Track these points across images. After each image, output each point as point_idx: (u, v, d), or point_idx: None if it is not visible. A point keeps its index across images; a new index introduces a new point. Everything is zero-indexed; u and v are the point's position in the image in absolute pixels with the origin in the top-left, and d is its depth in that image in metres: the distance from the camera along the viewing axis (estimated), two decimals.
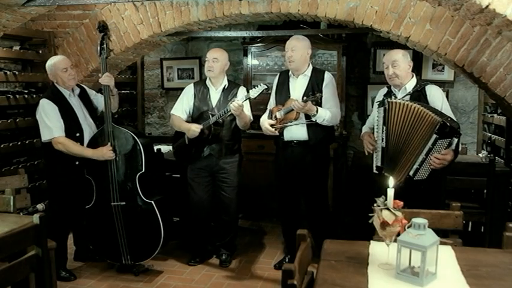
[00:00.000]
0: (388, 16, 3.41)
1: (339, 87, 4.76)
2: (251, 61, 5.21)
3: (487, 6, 2.88)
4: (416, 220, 1.79)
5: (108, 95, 3.52)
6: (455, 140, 2.79)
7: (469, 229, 3.87)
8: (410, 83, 3.07)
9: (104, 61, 3.58)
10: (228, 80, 3.80)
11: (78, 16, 4.23)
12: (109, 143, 3.45)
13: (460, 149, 2.90)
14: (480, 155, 4.30)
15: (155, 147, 4.37)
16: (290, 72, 3.61)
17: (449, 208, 2.44)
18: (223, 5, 3.72)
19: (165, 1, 3.84)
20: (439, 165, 2.78)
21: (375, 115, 3.11)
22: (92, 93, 3.78)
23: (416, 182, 2.84)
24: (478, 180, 3.67)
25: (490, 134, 4.60)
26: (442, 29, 3.31)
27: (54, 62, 3.51)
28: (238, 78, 5.54)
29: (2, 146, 3.81)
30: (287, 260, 3.71)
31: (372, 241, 2.17)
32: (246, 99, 3.52)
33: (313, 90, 3.45)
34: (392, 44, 3.82)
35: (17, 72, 4.09)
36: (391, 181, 1.89)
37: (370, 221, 1.92)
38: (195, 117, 3.72)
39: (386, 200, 1.86)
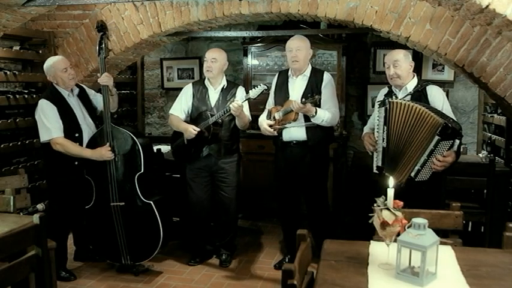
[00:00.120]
0: (388, 16, 3.41)
1: (339, 87, 4.77)
2: (251, 61, 5.21)
3: (487, 6, 2.88)
4: (416, 220, 1.79)
5: (107, 95, 3.52)
6: (457, 141, 2.79)
7: (469, 229, 3.87)
8: (411, 83, 3.07)
9: (103, 61, 3.58)
10: (227, 80, 3.80)
11: (78, 16, 4.23)
12: (108, 143, 3.45)
13: (461, 150, 2.89)
14: (480, 155, 4.30)
15: (155, 147, 4.37)
16: (289, 73, 3.61)
17: (449, 208, 2.44)
18: (223, 5, 3.72)
19: (165, 1, 3.84)
20: (440, 167, 2.78)
21: (376, 115, 3.11)
22: (91, 93, 3.78)
23: (417, 183, 2.84)
24: (478, 180, 3.67)
25: (490, 134, 4.60)
26: (442, 29, 3.31)
27: (53, 63, 3.50)
28: (238, 78, 5.55)
29: (2, 146, 3.82)
30: (287, 260, 3.71)
31: (372, 241, 2.17)
32: (245, 100, 3.52)
33: (312, 91, 3.45)
34: (392, 44, 3.82)
35: (17, 72, 4.09)
36: (391, 181, 1.89)
37: (370, 221, 1.92)
38: (194, 117, 3.72)
39: (386, 200, 1.86)
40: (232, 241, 3.96)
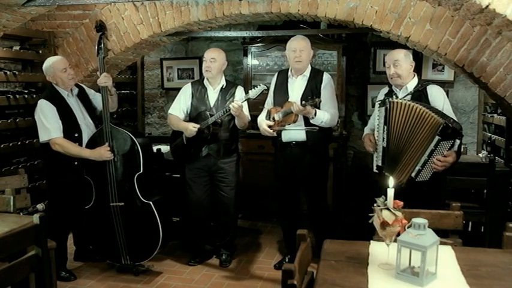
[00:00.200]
0: (388, 16, 3.41)
1: (339, 87, 4.77)
2: (251, 61, 5.21)
3: (487, 6, 2.88)
4: (416, 220, 1.79)
5: (106, 95, 3.52)
6: (458, 141, 2.79)
7: (469, 229, 3.87)
8: (412, 83, 3.07)
9: (102, 61, 3.58)
10: (226, 80, 3.80)
11: (78, 16, 4.23)
12: (107, 143, 3.45)
13: (462, 150, 2.89)
14: (480, 155, 4.30)
15: (155, 147, 4.37)
16: (289, 73, 3.61)
17: (449, 208, 2.44)
18: (223, 5, 3.72)
19: (165, 1, 3.84)
20: (441, 167, 2.78)
21: (376, 114, 3.11)
22: (91, 92, 3.78)
23: (418, 183, 2.83)
24: (478, 180, 3.67)
25: (490, 134, 4.60)
26: (442, 29, 3.31)
27: (52, 63, 3.50)
28: (238, 78, 5.55)
29: (2, 146, 3.82)
30: (287, 260, 3.71)
31: (372, 241, 2.17)
32: (245, 100, 3.52)
33: (312, 92, 3.45)
34: (392, 44, 3.82)
35: (17, 72, 4.09)
36: (391, 181, 1.89)
37: (370, 221, 1.92)
38: (193, 116, 3.72)
39: (386, 200, 1.86)
40: (232, 241, 3.96)
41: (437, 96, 3.00)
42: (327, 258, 2.01)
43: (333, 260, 1.98)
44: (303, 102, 3.29)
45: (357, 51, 5.20)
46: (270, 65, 5.20)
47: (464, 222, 2.42)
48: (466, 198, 3.70)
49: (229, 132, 3.71)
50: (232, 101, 3.53)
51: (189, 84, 3.84)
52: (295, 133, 3.50)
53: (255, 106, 4.17)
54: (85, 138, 3.54)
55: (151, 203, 3.48)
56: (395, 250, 1.80)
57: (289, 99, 3.51)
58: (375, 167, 3.11)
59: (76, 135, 3.49)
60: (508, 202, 3.87)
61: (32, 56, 4.23)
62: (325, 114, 3.41)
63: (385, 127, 2.96)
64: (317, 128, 3.44)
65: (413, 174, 2.81)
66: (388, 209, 1.84)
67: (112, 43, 4.07)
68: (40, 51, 4.26)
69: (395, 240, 1.85)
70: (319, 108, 3.40)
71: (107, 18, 4.03)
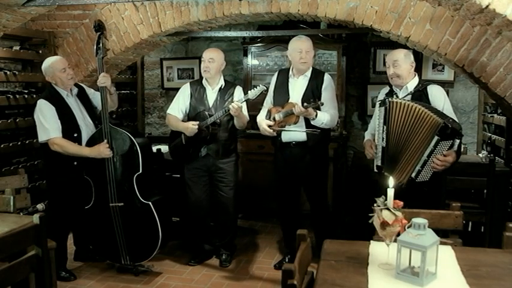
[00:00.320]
0: (388, 16, 3.41)
1: (339, 87, 4.77)
2: (251, 61, 5.21)
3: (487, 6, 2.88)
4: (416, 220, 1.79)
5: (105, 95, 3.52)
6: (457, 141, 2.79)
7: (469, 229, 3.87)
8: (412, 83, 3.07)
9: (101, 61, 3.58)
10: (225, 80, 3.79)
11: (78, 16, 4.23)
12: (105, 140, 3.44)
13: (462, 150, 2.89)
14: (480, 155, 4.30)
15: (155, 147, 4.37)
16: (290, 72, 3.60)
17: (449, 208, 2.44)
18: (223, 5, 3.72)
19: (165, 1, 3.84)
20: (441, 167, 2.77)
21: (376, 114, 3.11)
22: (90, 92, 3.77)
23: (418, 183, 2.83)
24: (478, 180, 3.67)
25: (490, 134, 4.60)
26: (442, 29, 3.31)
27: (51, 63, 3.50)
28: (238, 78, 5.55)
29: (2, 146, 3.81)
30: (287, 260, 3.70)
31: (372, 241, 2.17)
32: (244, 101, 3.52)
33: (313, 92, 3.45)
34: (392, 44, 3.82)
35: (17, 72, 4.09)
36: (391, 181, 1.89)
37: (370, 221, 1.92)
38: (192, 117, 3.72)
39: (386, 200, 1.86)
40: (232, 241, 3.96)
41: (437, 96, 3.00)
42: (327, 258, 2.01)
43: (333, 260, 1.98)
44: (305, 104, 3.28)
45: (357, 51, 5.20)
46: (270, 65, 5.20)
47: (464, 222, 2.42)
48: (466, 198, 3.69)
49: (228, 133, 3.71)
50: (231, 102, 3.53)
51: (188, 84, 3.84)
52: (295, 133, 3.50)
53: (255, 106, 4.17)
54: (84, 138, 3.53)
55: (150, 203, 3.48)
56: (395, 250, 1.80)
57: (290, 99, 3.50)
58: (375, 167, 3.11)
59: (75, 135, 3.49)
60: (508, 202, 3.87)
61: (32, 56, 4.23)
62: (326, 116, 3.41)
63: (385, 127, 2.96)
64: (318, 130, 3.44)
65: (413, 175, 2.81)
66: (388, 209, 1.84)
67: (112, 43, 4.07)
68: (40, 51, 4.26)
69: (395, 240, 1.85)
70: (320, 110, 3.40)
71: (107, 18, 4.03)
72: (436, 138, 2.72)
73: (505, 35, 3.15)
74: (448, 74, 4.92)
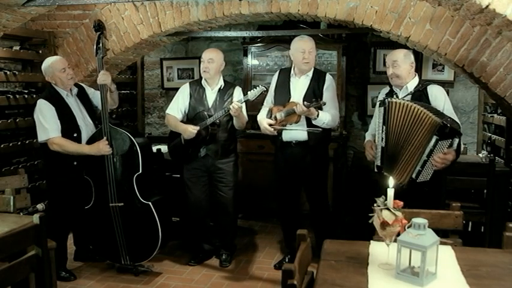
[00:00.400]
0: (388, 16, 3.41)
1: (339, 87, 4.77)
2: (251, 61, 5.21)
3: (487, 6, 2.88)
4: (416, 220, 1.79)
5: (105, 94, 3.51)
6: (457, 140, 2.79)
7: (469, 229, 3.87)
8: (412, 83, 3.07)
9: (101, 60, 3.57)
10: (224, 80, 3.79)
11: (78, 16, 4.23)
12: (105, 138, 3.44)
13: (461, 149, 2.89)
14: (480, 155, 4.30)
15: (155, 148, 4.37)
16: (292, 72, 3.60)
17: (449, 208, 2.44)
18: (223, 5, 3.72)
19: (165, 1, 3.84)
20: (441, 166, 2.77)
21: (377, 114, 3.12)
22: (90, 91, 3.77)
23: (419, 184, 2.82)
24: (478, 180, 3.67)
25: (490, 134, 4.61)
26: (442, 29, 3.31)
27: (51, 63, 3.50)
28: (238, 78, 5.55)
29: (2, 146, 3.81)
30: (287, 260, 3.70)
31: (372, 241, 2.17)
32: (244, 101, 3.52)
33: (314, 92, 3.45)
34: (392, 44, 3.82)
35: (17, 72, 4.09)
36: (391, 181, 1.89)
37: (370, 221, 1.92)
38: (191, 117, 3.72)
39: (386, 200, 1.86)
40: (232, 241, 3.96)
41: (438, 96, 3.00)
42: (327, 258, 2.01)
43: (333, 260, 1.98)
44: (307, 103, 3.28)
45: (357, 51, 5.20)
46: (270, 65, 5.20)
47: (464, 222, 2.42)
48: (466, 198, 3.69)
49: (227, 133, 3.71)
50: (231, 102, 3.53)
51: (187, 84, 3.84)
52: (296, 133, 3.50)
53: (255, 106, 4.17)
54: (84, 138, 3.53)
55: (150, 203, 3.48)
56: (395, 250, 1.80)
57: (291, 99, 3.50)
58: (375, 167, 3.11)
59: (75, 135, 3.49)
60: (508, 202, 3.87)
61: (32, 56, 4.23)
62: (327, 116, 3.42)
63: (384, 127, 2.96)
64: (320, 129, 3.44)
65: (413, 176, 2.80)
66: (388, 209, 1.84)
67: (112, 43, 4.08)
68: (40, 51, 4.26)
69: (395, 240, 1.85)
70: (322, 110, 3.40)
71: (107, 18, 4.03)
72: (435, 138, 2.72)
73: (505, 35, 3.15)
74: (448, 74, 4.92)
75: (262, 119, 3.59)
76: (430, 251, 1.73)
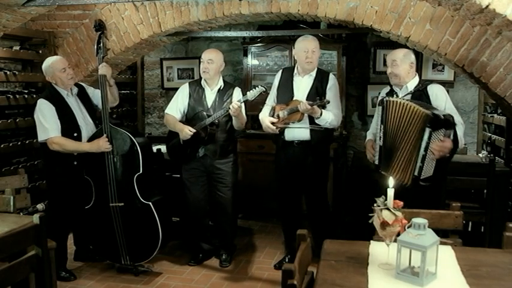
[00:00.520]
0: (388, 16, 3.41)
1: (339, 87, 4.76)
2: (251, 61, 5.21)
3: (487, 6, 2.88)
4: (416, 220, 1.79)
5: (105, 86, 3.52)
6: (451, 131, 2.77)
7: (469, 229, 3.87)
8: (412, 82, 3.07)
9: (101, 60, 3.58)
10: (224, 81, 3.79)
11: (78, 16, 4.23)
12: (105, 135, 3.44)
13: (459, 139, 2.87)
14: (480, 155, 4.30)
15: (155, 147, 4.37)
16: (295, 71, 3.60)
17: (449, 208, 2.44)
18: (223, 5, 3.72)
19: (165, 1, 3.84)
20: (438, 154, 2.73)
21: (376, 114, 3.12)
22: (90, 90, 3.77)
23: (424, 180, 2.79)
24: (478, 180, 3.67)
25: (490, 134, 4.61)
26: (442, 29, 3.31)
27: (51, 63, 3.50)
28: (238, 78, 5.55)
29: (2, 146, 3.81)
30: (287, 260, 3.70)
31: (372, 241, 2.17)
32: (243, 101, 3.52)
33: (317, 92, 3.45)
34: (392, 44, 3.82)
35: (17, 72, 4.09)
36: (391, 181, 1.89)
37: (370, 221, 1.92)
38: (190, 117, 3.72)
39: (386, 200, 1.86)
40: (231, 241, 3.96)
41: (439, 95, 3.00)
42: (327, 258, 2.01)
43: (333, 260, 1.98)
44: (311, 102, 3.28)
45: (357, 51, 5.20)
46: (270, 65, 5.20)
47: (464, 222, 2.42)
48: (466, 198, 3.69)
49: (226, 133, 3.71)
50: (230, 102, 3.52)
51: (187, 84, 3.84)
52: (298, 132, 3.49)
53: (255, 106, 4.17)
54: (84, 138, 3.53)
55: (150, 203, 3.48)
56: (395, 250, 1.80)
57: (294, 98, 3.50)
58: (375, 167, 3.12)
59: (75, 134, 3.49)
60: (508, 202, 3.87)
61: (32, 56, 4.23)
62: (330, 115, 3.42)
63: (382, 126, 2.97)
64: (322, 128, 3.44)
65: (416, 173, 2.77)
66: (388, 209, 1.84)
67: (112, 43, 4.08)
68: (40, 51, 4.26)
69: (395, 240, 1.85)
70: (325, 108, 3.40)
71: (106, 18, 4.03)
72: (428, 130, 2.70)
73: (505, 35, 3.15)
74: (448, 74, 4.92)
75: (265, 117, 3.59)
76: (430, 251, 1.73)
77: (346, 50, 4.89)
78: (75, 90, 3.63)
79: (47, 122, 3.39)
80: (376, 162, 3.06)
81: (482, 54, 3.25)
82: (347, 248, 2.11)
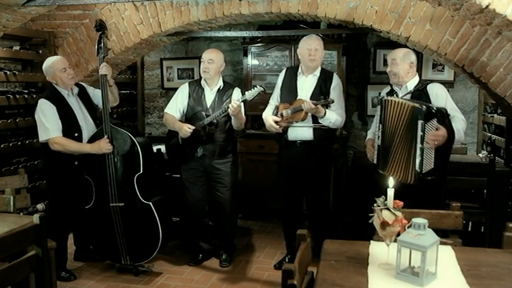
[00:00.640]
0: (388, 16, 3.42)
1: None
2: (251, 61, 5.21)
3: (487, 6, 2.88)
4: (416, 220, 1.79)
5: (106, 86, 3.52)
6: (444, 120, 2.77)
7: (469, 229, 3.87)
8: (412, 82, 3.08)
9: (102, 60, 3.58)
10: (224, 81, 3.79)
11: (78, 16, 4.23)
12: (106, 136, 3.44)
13: (458, 132, 2.86)
14: (480, 155, 4.30)
15: (155, 147, 4.37)
16: (299, 71, 3.59)
17: (449, 208, 2.44)
18: (223, 5, 3.72)
19: (165, 1, 3.84)
20: (433, 142, 2.73)
21: (376, 114, 3.13)
22: (90, 90, 3.77)
23: (427, 174, 2.78)
24: (478, 180, 3.68)
25: (490, 134, 4.61)
26: (442, 29, 3.31)
27: (52, 63, 3.50)
28: (238, 78, 5.55)
29: (2, 146, 3.81)
30: (287, 260, 3.70)
31: (372, 241, 2.17)
32: (242, 101, 3.52)
33: (321, 92, 3.45)
34: (392, 44, 3.82)
35: (17, 72, 4.09)
36: (391, 181, 1.89)
37: (370, 221, 1.92)
38: (189, 116, 3.72)
39: (386, 200, 1.86)
40: (231, 241, 3.96)
41: (439, 93, 2.99)
42: (327, 258, 2.01)
43: (333, 260, 1.98)
44: (315, 101, 3.28)
45: (357, 51, 5.20)
46: (270, 65, 5.20)
47: (464, 222, 2.42)
48: (466, 198, 3.70)
49: (225, 133, 3.70)
50: (229, 102, 3.52)
51: (187, 84, 3.84)
52: (302, 132, 3.49)
53: (255, 106, 4.16)
54: (85, 138, 3.53)
55: (151, 203, 3.48)
56: (395, 250, 1.80)
57: (298, 97, 3.50)
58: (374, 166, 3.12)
59: (76, 134, 3.49)
60: (508, 202, 3.87)
61: (32, 56, 4.23)
62: (334, 115, 3.42)
63: (380, 125, 2.98)
64: (326, 127, 3.44)
65: (417, 168, 2.75)
66: (388, 209, 1.84)
67: (112, 43, 4.07)
68: (40, 51, 4.26)
69: (395, 240, 1.85)
70: (330, 107, 3.40)
71: (107, 18, 4.03)
72: (420, 122, 2.70)
73: (505, 35, 3.15)
74: (448, 74, 4.92)
75: (268, 116, 3.59)
76: (430, 251, 1.73)
77: (346, 50, 4.89)
78: (76, 90, 3.63)
79: (48, 122, 3.39)
80: (375, 161, 3.07)
81: (482, 54, 3.25)
82: (347, 248, 2.11)
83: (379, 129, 3.00)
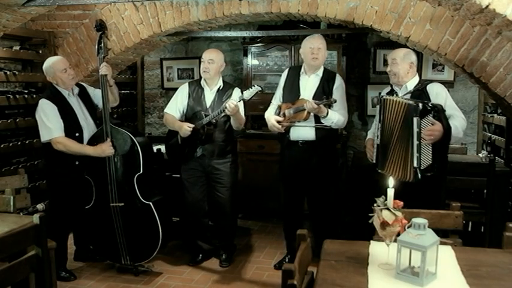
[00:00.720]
0: (388, 16, 3.42)
1: None
2: (251, 61, 5.21)
3: (487, 6, 2.88)
4: (416, 220, 1.79)
5: (106, 86, 3.52)
6: (440, 115, 2.77)
7: (469, 229, 3.87)
8: (412, 82, 3.08)
9: (102, 60, 3.58)
10: (223, 81, 3.79)
11: (78, 16, 4.23)
12: (108, 139, 3.45)
13: (457, 129, 2.86)
14: (480, 155, 4.30)
15: (155, 147, 4.37)
16: (302, 70, 3.59)
17: (449, 208, 2.44)
18: (223, 5, 3.72)
19: (165, 1, 3.84)
20: (429, 138, 2.74)
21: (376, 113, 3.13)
22: (91, 90, 3.77)
23: (426, 170, 2.78)
24: (478, 180, 3.68)
25: (490, 134, 4.61)
26: (442, 29, 3.31)
27: (52, 63, 3.50)
28: (238, 78, 5.55)
29: (2, 146, 3.81)
30: (287, 260, 3.70)
31: (372, 241, 2.17)
32: (239, 101, 3.52)
33: (324, 91, 3.45)
34: (392, 44, 3.82)
35: (17, 72, 4.09)
36: (391, 181, 1.89)
37: (370, 221, 1.92)
38: (189, 116, 3.72)
39: (386, 200, 1.86)
40: (231, 241, 3.96)
41: (439, 93, 3.00)
42: (327, 258, 2.01)
43: (333, 260, 1.98)
44: (316, 101, 3.28)
45: (357, 51, 5.20)
46: (270, 65, 5.20)
47: (464, 222, 2.42)
48: (466, 198, 3.69)
49: (224, 134, 3.70)
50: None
51: (186, 84, 3.84)
52: (304, 132, 3.49)
53: (255, 106, 4.16)
54: (86, 138, 3.53)
55: (151, 203, 3.48)
56: (395, 250, 1.80)
57: (301, 97, 3.50)
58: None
59: (77, 134, 3.49)
60: (508, 202, 3.87)
61: (32, 56, 4.23)
62: (336, 115, 3.41)
63: (379, 125, 2.99)
64: (328, 127, 3.44)
65: (415, 164, 2.76)
66: (388, 209, 1.84)
67: (112, 43, 4.07)
68: (40, 51, 4.26)
69: (395, 240, 1.85)
70: (332, 107, 3.40)
71: (107, 18, 4.03)
72: (415, 119, 2.71)
73: (505, 35, 3.15)
74: (448, 74, 4.93)
75: (270, 115, 3.58)
76: (430, 251, 1.73)
77: (346, 50, 4.89)
78: (76, 90, 3.63)
79: (50, 121, 3.39)
80: (374, 161, 3.07)
81: (482, 54, 3.25)
82: (347, 248, 2.11)
83: (378, 128, 3.01)
